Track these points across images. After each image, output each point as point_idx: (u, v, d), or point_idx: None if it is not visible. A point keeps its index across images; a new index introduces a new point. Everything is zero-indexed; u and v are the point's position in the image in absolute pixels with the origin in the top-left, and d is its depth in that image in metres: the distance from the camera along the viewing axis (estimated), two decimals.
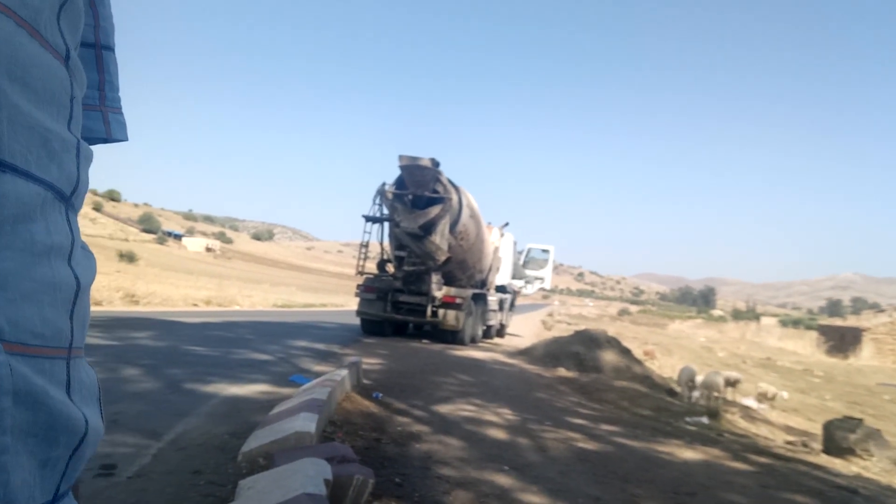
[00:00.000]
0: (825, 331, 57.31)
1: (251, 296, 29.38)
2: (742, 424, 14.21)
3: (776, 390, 17.59)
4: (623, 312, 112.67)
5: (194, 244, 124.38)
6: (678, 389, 15.67)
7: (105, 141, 0.80)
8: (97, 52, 0.78)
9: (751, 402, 17.23)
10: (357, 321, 18.14)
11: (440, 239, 16.64)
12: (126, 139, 0.84)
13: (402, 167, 16.77)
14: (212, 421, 5.90)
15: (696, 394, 15.40)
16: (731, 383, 16.79)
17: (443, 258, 16.82)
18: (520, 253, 28.57)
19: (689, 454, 7.14)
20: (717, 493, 5.66)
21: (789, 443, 12.04)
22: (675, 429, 9.15)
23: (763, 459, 7.59)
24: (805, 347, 52.52)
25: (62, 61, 0.54)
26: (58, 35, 0.54)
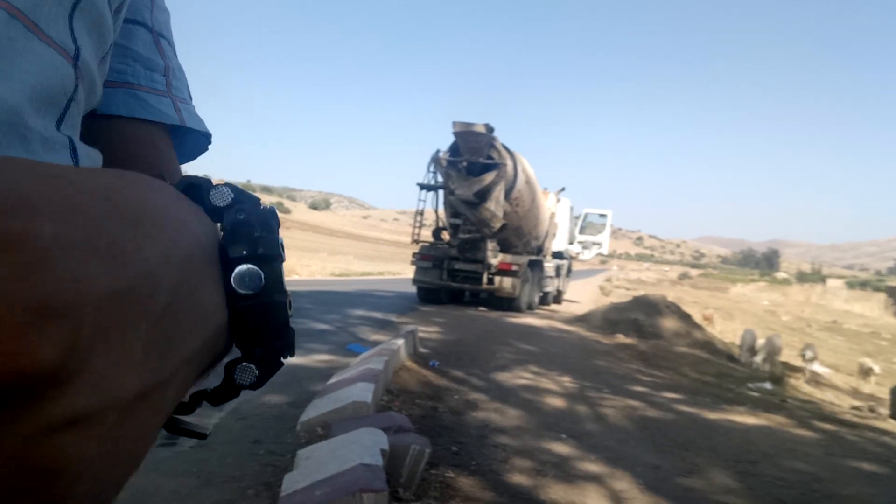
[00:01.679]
0: (893, 292, 55.95)
1: (309, 265, 29.73)
2: (806, 389, 13.97)
3: (872, 363, 16.86)
4: (683, 276, 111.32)
5: None
6: (745, 356, 15.37)
7: (180, 127, 0.78)
8: (154, 37, 0.76)
9: (818, 367, 16.80)
10: (413, 289, 18.23)
11: (495, 206, 16.54)
12: (206, 130, 0.82)
13: (456, 133, 16.66)
14: (271, 391, 5.98)
15: (758, 359, 15.08)
16: (809, 359, 16.21)
17: (498, 225, 16.74)
18: (576, 218, 28.31)
19: (751, 421, 7.03)
20: (781, 460, 5.56)
21: (855, 408, 11.80)
22: (736, 395, 9.02)
23: (828, 426, 7.44)
24: (872, 310, 51.36)
25: (69, 60, 0.51)
26: (66, 33, 0.51)
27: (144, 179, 0.37)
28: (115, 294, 0.30)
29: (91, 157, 0.57)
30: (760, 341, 15.97)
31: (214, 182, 0.45)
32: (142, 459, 0.34)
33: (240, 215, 0.43)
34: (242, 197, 0.44)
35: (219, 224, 0.44)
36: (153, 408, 0.33)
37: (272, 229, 0.43)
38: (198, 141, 0.84)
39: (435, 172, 17.52)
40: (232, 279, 0.41)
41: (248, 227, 0.43)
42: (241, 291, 0.41)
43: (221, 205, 0.43)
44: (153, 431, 0.34)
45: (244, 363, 0.43)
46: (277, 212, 0.46)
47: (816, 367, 16.53)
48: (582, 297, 31.91)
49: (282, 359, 0.45)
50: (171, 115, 0.75)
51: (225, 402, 0.45)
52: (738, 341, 16.78)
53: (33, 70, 0.46)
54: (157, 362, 0.32)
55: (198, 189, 0.44)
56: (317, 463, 3.51)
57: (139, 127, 0.72)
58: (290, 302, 0.43)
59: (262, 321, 0.42)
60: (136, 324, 0.31)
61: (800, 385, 14.21)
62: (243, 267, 0.41)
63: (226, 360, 0.44)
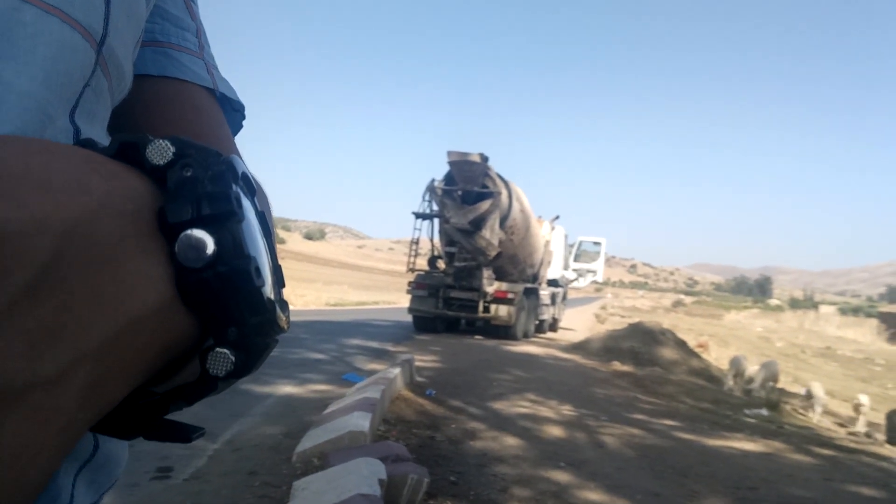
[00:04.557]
0: (886, 318, 56.20)
1: (304, 295, 29.62)
2: (804, 414, 13.93)
3: (865, 401, 16.56)
4: (677, 304, 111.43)
5: None
6: (729, 382, 15.23)
7: (214, 93, 0.71)
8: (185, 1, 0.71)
9: (820, 393, 16.61)
10: (409, 318, 18.19)
11: (490, 234, 16.58)
12: (239, 100, 0.76)
13: (451, 163, 16.75)
14: (267, 421, 5.94)
15: (755, 384, 14.97)
16: (810, 397, 15.79)
17: (493, 253, 16.77)
18: (571, 246, 28.38)
19: (749, 447, 7.01)
20: (780, 486, 5.54)
21: (852, 433, 11.77)
22: (734, 421, 8.99)
23: (826, 451, 7.42)
24: (865, 335, 51.48)
25: (93, 44, 0.49)
26: (99, 16, 0.49)
27: (25, 140, 0.31)
28: None
29: None
30: (754, 367, 15.90)
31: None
32: (29, 485, 0.27)
33: (186, 172, 0.35)
34: (189, 150, 0.36)
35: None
36: (39, 416, 0.27)
37: (224, 182, 0.36)
38: (230, 118, 0.76)
39: (430, 201, 17.56)
40: (176, 251, 0.34)
41: (193, 184, 0.35)
42: (187, 263, 0.34)
43: (161, 163, 0.35)
44: (47, 444, 0.28)
45: (216, 349, 0.36)
46: (242, 164, 0.40)
47: (821, 397, 16.12)
48: (578, 324, 31.90)
49: (266, 339, 0.38)
50: (204, 77, 0.69)
51: (201, 397, 0.38)
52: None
53: (49, 54, 0.45)
54: (31, 352, 0.26)
55: (135, 149, 0.36)
56: (314, 494, 3.47)
57: (175, 88, 0.66)
58: (257, 268, 0.36)
59: (222, 296, 0.35)
60: None
61: (796, 411, 14.17)
62: (185, 233, 0.34)
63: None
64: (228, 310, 0.35)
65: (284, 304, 0.41)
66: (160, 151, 0.35)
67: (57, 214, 0.28)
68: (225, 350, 0.36)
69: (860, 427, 14.60)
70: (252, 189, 0.42)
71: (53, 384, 0.27)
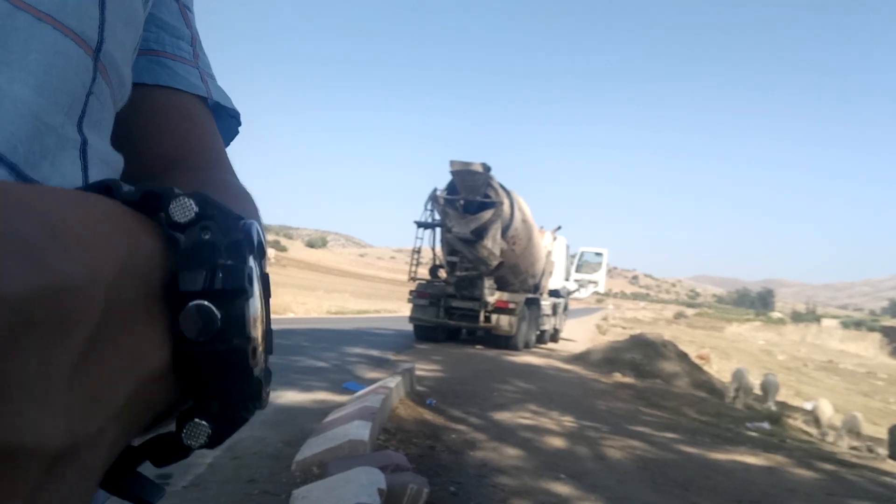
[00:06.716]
0: (888, 332, 56.16)
1: (305, 303, 29.62)
2: (805, 429, 13.89)
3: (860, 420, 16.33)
4: (679, 315, 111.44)
5: None
6: (730, 394, 15.16)
7: (206, 101, 0.71)
8: (180, 7, 0.72)
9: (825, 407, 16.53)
10: (410, 327, 18.19)
11: (492, 244, 16.57)
12: (233, 108, 0.76)
13: (453, 172, 16.75)
14: (266, 429, 5.92)
15: (770, 404, 14.87)
16: (813, 413, 15.50)
17: (495, 263, 16.76)
18: (573, 257, 28.40)
19: (751, 461, 6.98)
20: (782, 500, 5.53)
21: (854, 448, 11.73)
22: (736, 435, 8.96)
23: (828, 466, 7.40)
24: (867, 349, 51.48)
25: (89, 52, 0.48)
26: (94, 24, 0.49)
27: (70, 193, 0.30)
28: (33, 297, 0.23)
29: (107, 160, 0.53)
30: (755, 381, 15.86)
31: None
32: None
33: (205, 235, 0.35)
34: (211, 211, 0.36)
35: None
36: (83, 472, 0.26)
37: (240, 255, 0.35)
38: (226, 124, 0.77)
39: (432, 210, 17.58)
40: (180, 319, 0.33)
41: (210, 251, 0.34)
42: (187, 334, 0.33)
43: (182, 220, 0.35)
44: (82, 499, 0.27)
45: (196, 419, 0.35)
46: (258, 230, 0.39)
47: (827, 416, 15.79)
48: (579, 335, 31.89)
49: (245, 414, 0.38)
50: (198, 86, 0.70)
51: (171, 462, 0.37)
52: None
53: (42, 60, 0.44)
54: (85, 409, 0.26)
55: (157, 200, 0.35)
56: (313, 503, 3.46)
57: (168, 97, 0.67)
58: (254, 349, 0.35)
59: (216, 372, 0.35)
60: (59, 349, 0.24)
61: (798, 424, 14.14)
62: (193, 305, 0.33)
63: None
64: (217, 385, 0.35)
65: (269, 376, 0.41)
66: (183, 209, 0.35)
67: (101, 273, 0.27)
68: (203, 422, 0.35)
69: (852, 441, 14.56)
70: (263, 251, 0.41)
71: (95, 442, 0.27)
